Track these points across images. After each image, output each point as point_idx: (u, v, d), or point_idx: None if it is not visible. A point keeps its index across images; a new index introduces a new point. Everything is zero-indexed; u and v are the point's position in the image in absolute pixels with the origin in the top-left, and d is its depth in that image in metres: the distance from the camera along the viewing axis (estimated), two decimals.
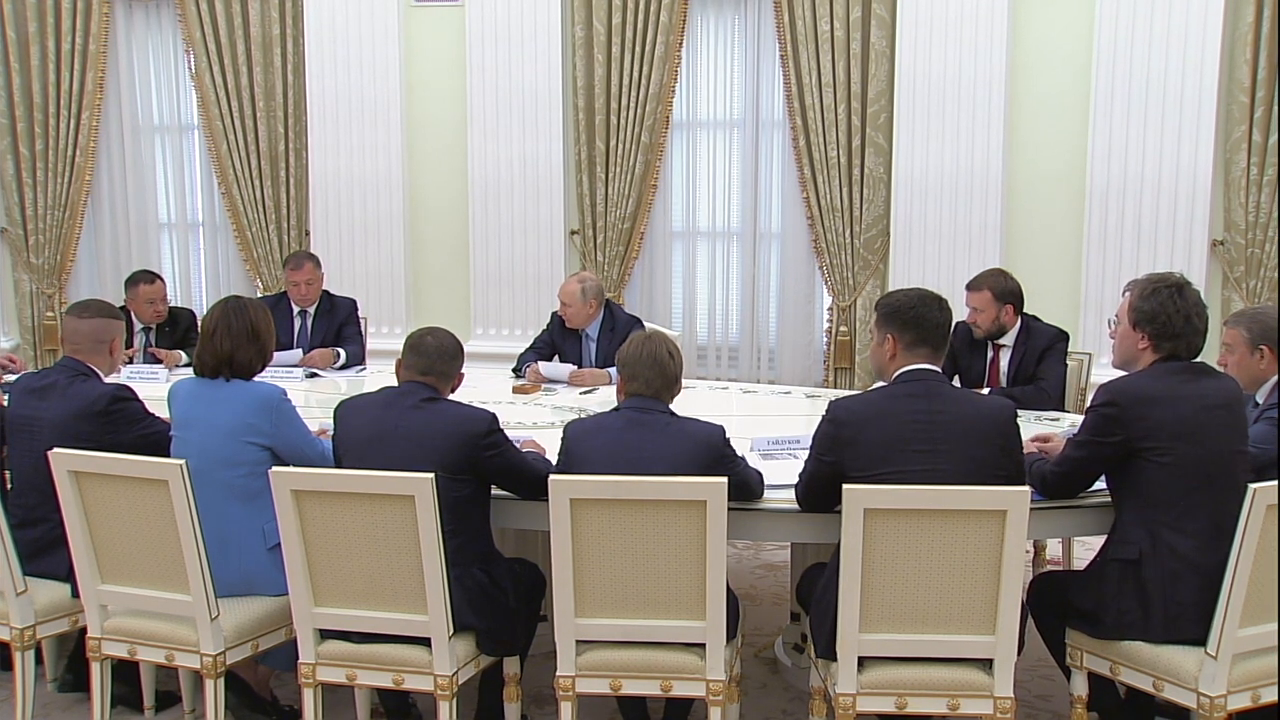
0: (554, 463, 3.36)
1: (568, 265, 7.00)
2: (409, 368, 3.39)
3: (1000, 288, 4.79)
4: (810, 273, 6.95)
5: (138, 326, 5.77)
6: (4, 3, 7.52)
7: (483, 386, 4.91)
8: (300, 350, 5.73)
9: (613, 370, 5.16)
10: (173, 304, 5.99)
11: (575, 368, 5.31)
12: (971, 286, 4.83)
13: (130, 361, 5.48)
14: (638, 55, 6.79)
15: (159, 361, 5.61)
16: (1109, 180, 6.19)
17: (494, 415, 3.32)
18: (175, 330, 5.85)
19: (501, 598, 3.30)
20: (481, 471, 3.29)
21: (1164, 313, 3.16)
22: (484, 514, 3.36)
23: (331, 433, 3.50)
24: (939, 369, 3.19)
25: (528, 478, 3.34)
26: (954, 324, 3.33)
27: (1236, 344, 3.62)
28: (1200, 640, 2.98)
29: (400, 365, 3.43)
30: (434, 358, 3.37)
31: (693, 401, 4.00)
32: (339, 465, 3.36)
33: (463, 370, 3.51)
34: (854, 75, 6.53)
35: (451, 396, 3.45)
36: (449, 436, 3.23)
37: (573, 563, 3.01)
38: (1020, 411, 3.31)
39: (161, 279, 5.89)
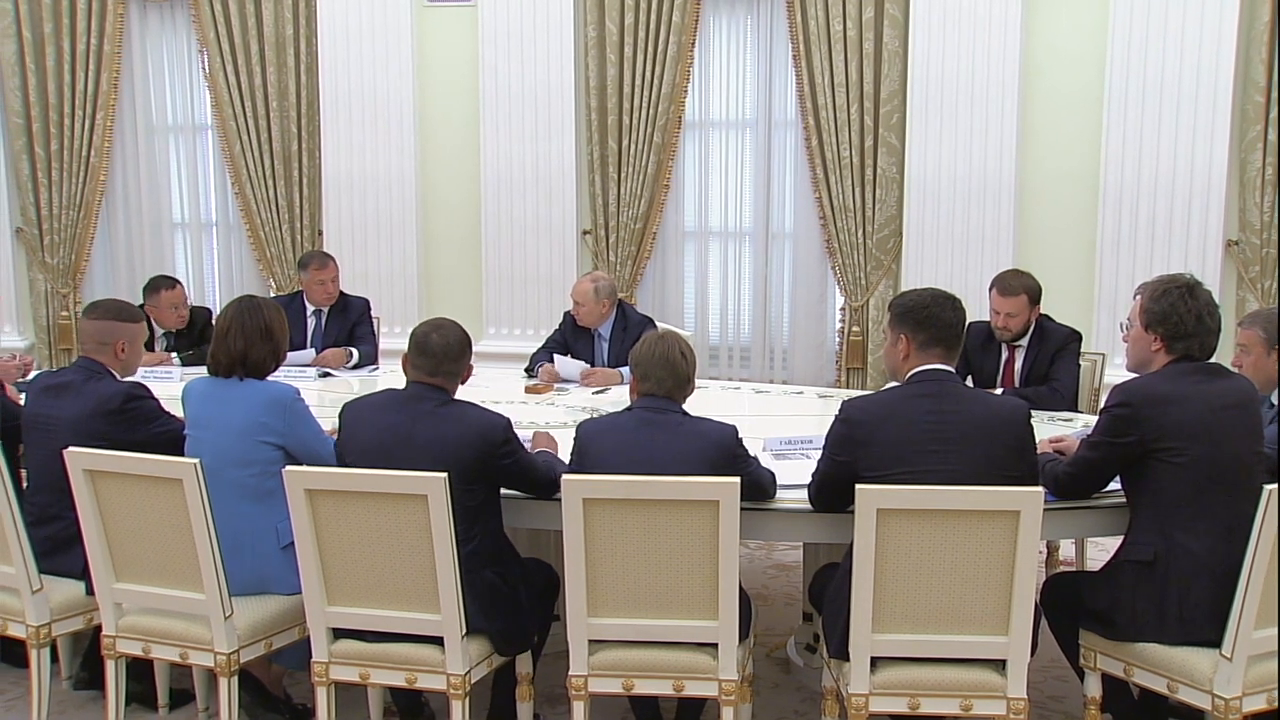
0: (566, 462, 3.36)
1: (580, 265, 7.00)
2: (416, 368, 3.33)
3: (1035, 290, 4.75)
4: (822, 273, 6.94)
5: (159, 332, 5.76)
6: (20, 4, 7.55)
7: (495, 386, 4.92)
8: (313, 350, 5.74)
9: (624, 370, 5.17)
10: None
11: (587, 365, 5.32)
12: (1007, 291, 4.72)
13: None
14: (650, 55, 6.79)
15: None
16: (1123, 180, 6.17)
17: (508, 421, 3.30)
18: (192, 330, 5.85)
19: (513, 597, 3.30)
20: (495, 478, 3.28)
21: (1175, 313, 3.15)
22: (497, 517, 3.36)
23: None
24: (952, 369, 3.18)
25: (539, 481, 3.33)
26: (968, 324, 3.33)
27: (1252, 344, 3.60)
28: (1215, 642, 2.97)
29: (406, 362, 3.37)
30: (441, 359, 3.31)
31: (705, 401, 3.99)
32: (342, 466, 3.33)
33: (472, 363, 3.45)
34: (866, 75, 6.52)
35: (464, 396, 3.43)
36: (465, 445, 3.19)
37: (585, 562, 3.01)
38: (1033, 412, 3.30)
39: (180, 282, 5.91)
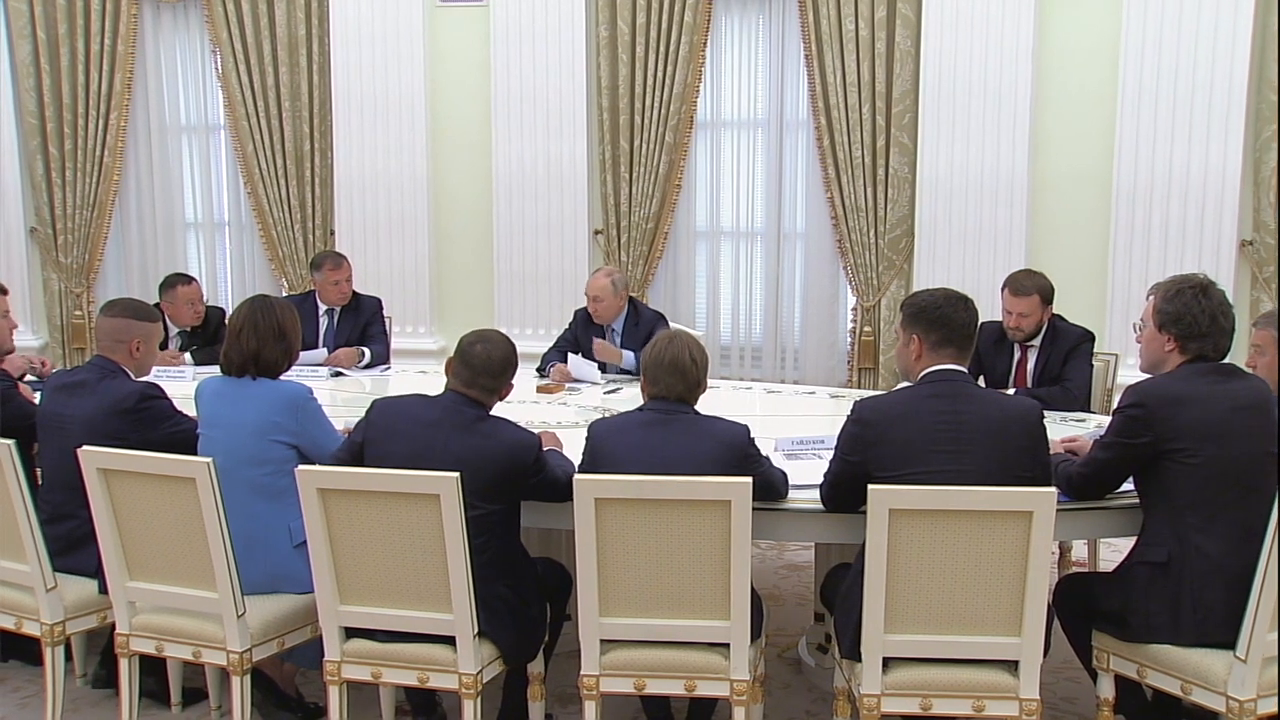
0: (576, 461, 3.36)
1: (592, 265, 7.00)
2: (456, 375, 3.30)
3: (1047, 290, 4.74)
4: (834, 273, 6.94)
5: (173, 330, 5.77)
6: (34, 5, 7.59)
7: None
8: (325, 349, 5.75)
9: (629, 354, 5.21)
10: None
11: (596, 365, 5.32)
12: (1019, 291, 4.72)
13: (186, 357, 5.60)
14: (662, 55, 6.79)
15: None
16: (1136, 180, 6.14)
17: (539, 441, 3.29)
18: (207, 329, 5.87)
19: (524, 612, 3.30)
20: (520, 495, 3.28)
21: (1189, 314, 3.13)
22: (514, 528, 3.35)
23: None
24: (965, 369, 3.18)
25: (558, 490, 3.30)
26: (980, 324, 3.32)
27: (1267, 345, 3.57)
28: (1229, 644, 2.96)
29: (450, 366, 3.35)
30: (478, 371, 3.27)
31: (716, 401, 3.99)
32: (357, 461, 3.31)
33: (513, 383, 3.40)
34: (879, 75, 6.51)
35: None
36: (494, 463, 3.18)
37: (597, 562, 3.01)
38: (1046, 413, 3.29)
39: (195, 279, 5.93)
